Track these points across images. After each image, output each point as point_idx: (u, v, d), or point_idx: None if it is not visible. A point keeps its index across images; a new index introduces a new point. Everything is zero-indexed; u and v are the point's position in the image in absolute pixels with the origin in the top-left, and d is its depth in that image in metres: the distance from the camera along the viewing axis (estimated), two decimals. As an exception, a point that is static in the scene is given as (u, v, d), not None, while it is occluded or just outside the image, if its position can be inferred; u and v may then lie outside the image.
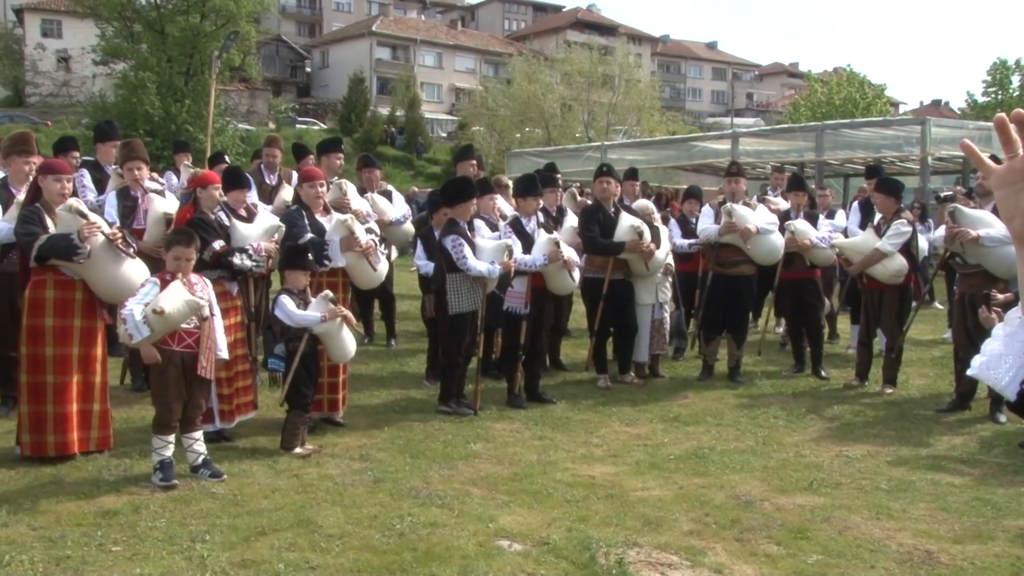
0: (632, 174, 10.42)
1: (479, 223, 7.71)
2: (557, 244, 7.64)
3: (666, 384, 8.92)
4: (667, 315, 9.18)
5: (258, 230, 6.59)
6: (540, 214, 8.12)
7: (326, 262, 6.73)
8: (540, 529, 4.86)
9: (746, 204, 8.86)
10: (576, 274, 7.92)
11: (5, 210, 6.50)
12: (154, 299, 5.23)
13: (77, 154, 8.43)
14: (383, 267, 7.17)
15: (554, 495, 5.46)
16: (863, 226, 9.23)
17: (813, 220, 9.23)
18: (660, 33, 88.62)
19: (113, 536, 4.56)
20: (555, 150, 29.67)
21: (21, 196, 6.54)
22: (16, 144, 6.71)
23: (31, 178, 6.42)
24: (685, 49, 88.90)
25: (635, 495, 5.51)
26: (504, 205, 8.68)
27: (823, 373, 9.11)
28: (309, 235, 6.72)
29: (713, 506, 5.30)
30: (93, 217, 5.68)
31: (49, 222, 5.68)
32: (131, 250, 5.82)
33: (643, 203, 9.46)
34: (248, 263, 6.36)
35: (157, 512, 4.91)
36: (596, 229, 8.30)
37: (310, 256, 6.41)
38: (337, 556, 4.40)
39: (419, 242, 8.60)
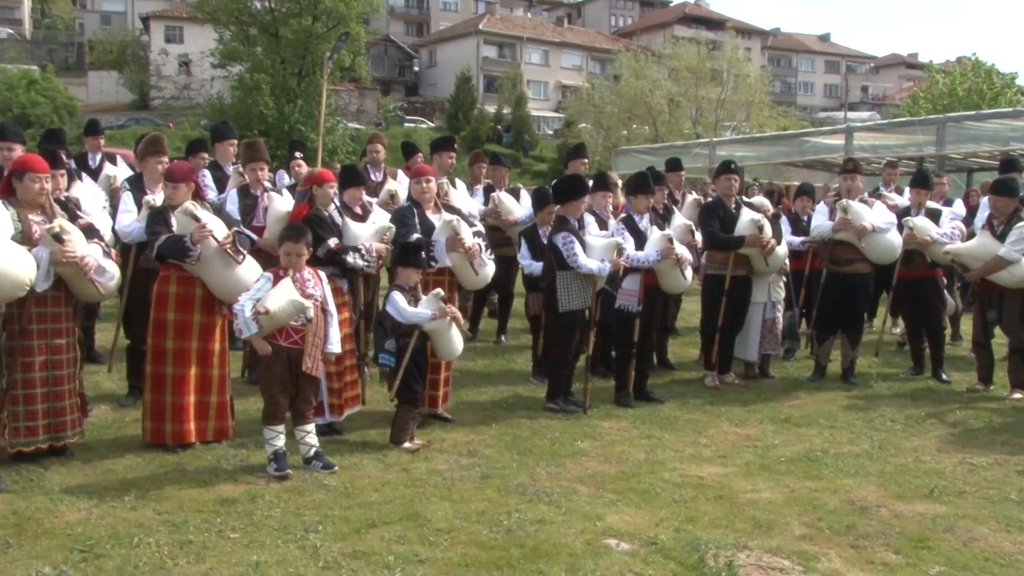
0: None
1: (589, 219, 7.69)
2: (671, 241, 7.56)
3: (776, 384, 8.72)
4: (779, 315, 8.97)
5: (370, 230, 6.72)
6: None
7: (432, 263, 6.81)
8: (648, 529, 4.81)
9: (862, 201, 8.59)
10: (689, 273, 7.82)
11: (139, 209, 6.82)
12: (262, 298, 5.39)
13: (206, 155, 8.76)
14: (487, 270, 7.17)
15: (662, 495, 5.40)
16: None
17: (935, 217, 8.87)
18: (770, 26, 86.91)
19: (231, 523, 4.72)
20: (663, 147, 29.34)
21: (149, 196, 6.86)
22: (149, 146, 7.12)
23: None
24: (796, 42, 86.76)
25: (745, 497, 5.41)
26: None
27: (944, 376, 8.74)
28: (417, 235, 6.79)
29: (826, 511, 5.15)
30: (206, 220, 5.85)
31: (174, 222, 5.93)
32: (240, 256, 5.99)
33: (759, 200, 9.27)
34: (360, 262, 6.49)
35: (272, 502, 5.06)
36: (716, 224, 8.18)
37: (422, 254, 6.48)
38: (446, 550, 4.44)
39: (523, 241, 8.62)
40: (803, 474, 5.89)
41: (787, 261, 8.87)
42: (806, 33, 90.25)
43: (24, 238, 5.26)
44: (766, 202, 9.34)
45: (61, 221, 5.39)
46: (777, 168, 23.41)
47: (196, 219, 5.80)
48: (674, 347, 9.85)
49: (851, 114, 58.61)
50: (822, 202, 9.21)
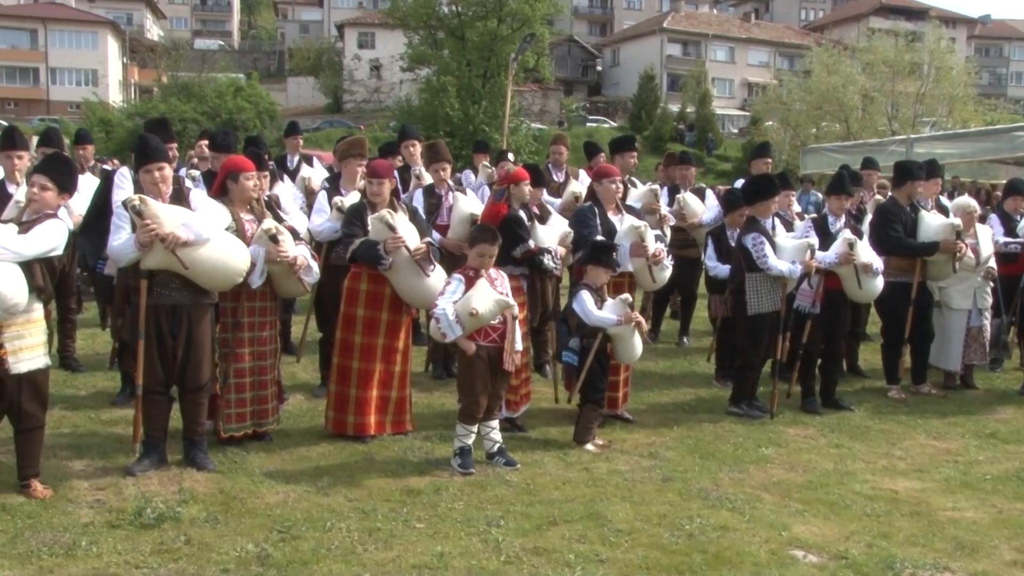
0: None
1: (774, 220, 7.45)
2: (851, 245, 7.21)
3: (980, 397, 8.17)
4: (987, 323, 8.38)
5: (554, 233, 6.77)
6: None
7: (616, 265, 6.78)
8: (837, 542, 4.63)
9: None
10: (879, 281, 7.43)
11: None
12: (465, 299, 5.51)
13: (400, 157, 9.08)
14: (665, 274, 7.08)
15: (852, 507, 5.18)
16: None
17: None
18: (978, 14, 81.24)
19: (417, 513, 4.87)
20: (855, 145, 28.02)
21: (338, 198, 7.12)
22: (352, 147, 7.38)
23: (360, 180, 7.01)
24: (1009, 29, 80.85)
25: (944, 515, 5.11)
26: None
27: None
28: (599, 237, 6.77)
29: (1039, 535, 4.79)
30: (401, 230, 5.98)
31: (370, 224, 6.10)
32: (431, 268, 6.10)
33: (965, 201, 8.70)
34: (551, 264, 6.56)
35: (456, 495, 5.18)
36: (900, 229, 7.75)
37: (614, 254, 6.46)
38: (626, 551, 4.42)
39: (710, 242, 8.45)
40: (1012, 495, 5.50)
41: (995, 265, 8.29)
42: (1021, 19, 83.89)
43: (238, 236, 5.59)
44: (973, 202, 8.73)
45: (275, 223, 5.70)
46: (982, 166, 21.88)
47: (391, 228, 5.94)
48: (865, 353, 9.38)
49: (1070, 106, 54.07)
50: (1036, 201, 8.56)
